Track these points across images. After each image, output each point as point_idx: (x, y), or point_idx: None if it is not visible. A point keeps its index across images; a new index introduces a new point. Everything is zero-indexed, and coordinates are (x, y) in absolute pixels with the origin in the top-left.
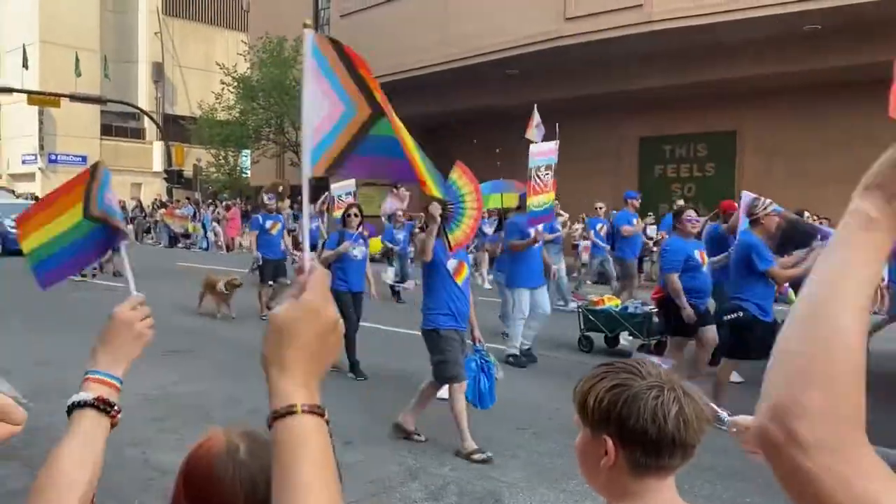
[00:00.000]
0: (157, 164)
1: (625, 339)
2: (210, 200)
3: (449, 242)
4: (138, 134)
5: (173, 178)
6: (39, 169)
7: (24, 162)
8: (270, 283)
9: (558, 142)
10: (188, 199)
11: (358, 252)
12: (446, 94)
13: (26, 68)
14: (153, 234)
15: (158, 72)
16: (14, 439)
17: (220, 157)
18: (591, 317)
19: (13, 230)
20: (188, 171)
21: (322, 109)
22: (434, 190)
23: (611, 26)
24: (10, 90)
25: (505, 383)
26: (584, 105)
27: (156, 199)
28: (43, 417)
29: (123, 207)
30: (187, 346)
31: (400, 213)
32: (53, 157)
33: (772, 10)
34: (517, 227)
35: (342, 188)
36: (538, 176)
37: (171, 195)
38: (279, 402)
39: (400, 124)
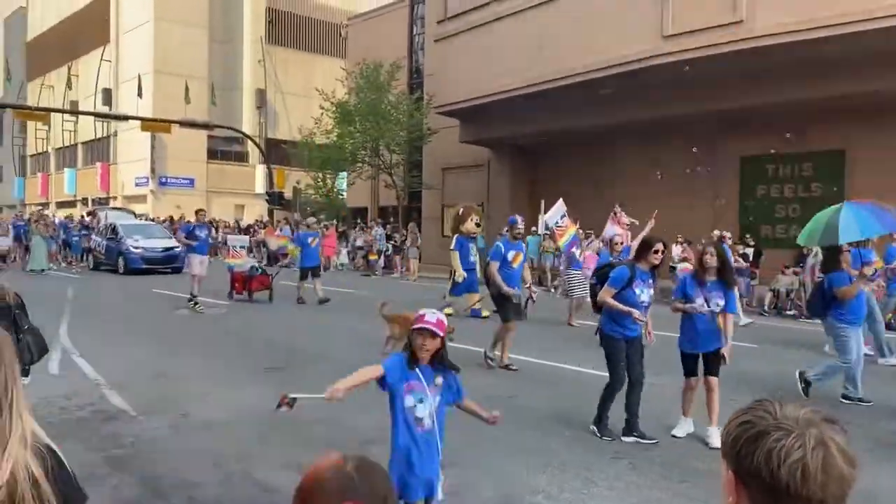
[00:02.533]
0: (259, 187)
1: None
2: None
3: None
4: (242, 157)
5: (274, 199)
6: (151, 191)
7: (137, 184)
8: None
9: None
10: (286, 219)
11: (646, 296)
12: (539, 116)
13: (140, 97)
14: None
15: (261, 98)
16: (124, 451)
17: (319, 180)
18: None
19: (136, 250)
20: (288, 193)
21: None
22: None
23: (710, 43)
24: (126, 117)
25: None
26: (681, 124)
27: (257, 220)
28: (150, 431)
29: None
30: (288, 363)
31: (619, 237)
32: (164, 180)
33: (880, 24)
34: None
35: (555, 213)
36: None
37: (271, 216)
38: None
39: None
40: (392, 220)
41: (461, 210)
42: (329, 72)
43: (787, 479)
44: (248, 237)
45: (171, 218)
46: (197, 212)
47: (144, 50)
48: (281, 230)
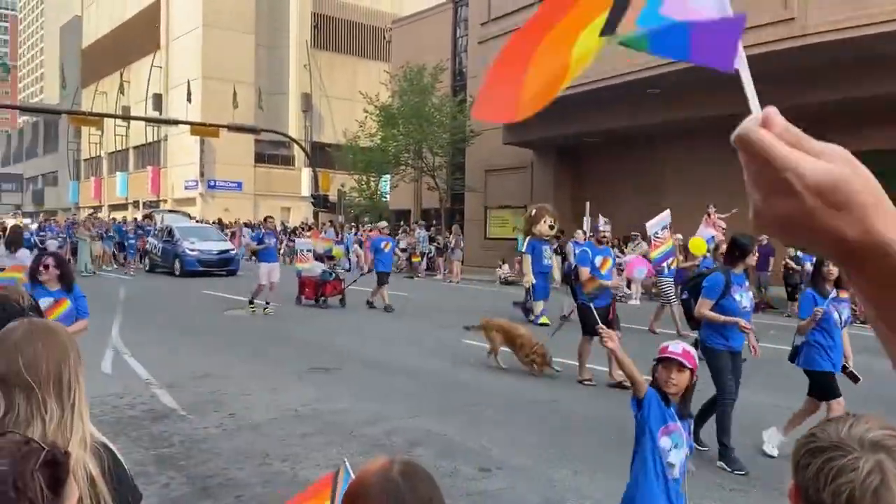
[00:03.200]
0: (305, 189)
1: None
2: (352, 224)
3: None
4: (288, 161)
5: (319, 202)
6: (200, 194)
7: (186, 187)
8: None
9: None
10: (330, 222)
11: (747, 301)
12: (584, 115)
13: (190, 102)
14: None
15: (307, 102)
16: (174, 449)
17: (363, 182)
18: None
19: (192, 252)
20: (333, 196)
21: None
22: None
23: (760, 41)
24: (175, 122)
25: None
26: (730, 125)
27: (303, 222)
28: (199, 430)
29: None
30: (331, 365)
31: (713, 240)
32: (212, 183)
33: None
34: None
35: (657, 224)
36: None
37: (317, 218)
38: None
39: None
40: (435, 222)
41: (534, 211)
42: (373, 75)
43: (830, 500)
44: (311, 240)
45: (220, 220)
46: (265, 219)
47: (193, 56)
48: (325, 233)
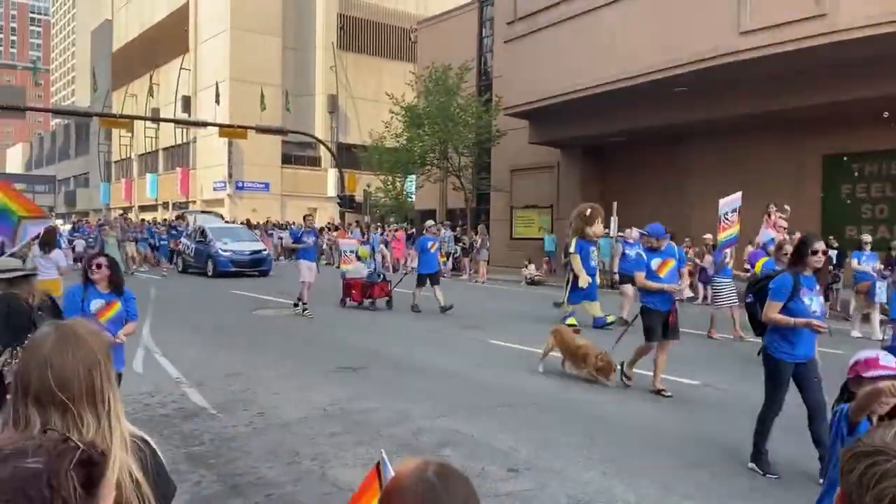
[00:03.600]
0: (331, 190)
1: None
2: (378, 224)
3: None
4: (314, 162)
5: (346, 202)
6: (228, 195)
7: (215, 188)
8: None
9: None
10: (357, 223)
11: (817, 305)
12: (610, 114)
13: (218, 104)
14: (325, 255)
15: (333, 103)
16: (204, 448)
17: (388, 183)
18: None
19: (225, 253)
20: (359, 196)
21: None
22: None
23: (790, 38)
24: (204, 124)
25: (679, 417)
26: (759, 123)
27: (329, 223)
28: (229, 428)
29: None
30: (358, 364)
31: (773, 242)
32: (240, 185)
33: None
34: None
35: (730, 203)
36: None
37: (343, 219)
38: None
39: None
40: (460, 222)
41: (588, 210)
42: (399, 76)
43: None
44: (355, 242)
45: (248, 221)
46: (305, 217)
47: (221, 58)
48: (352, 233)
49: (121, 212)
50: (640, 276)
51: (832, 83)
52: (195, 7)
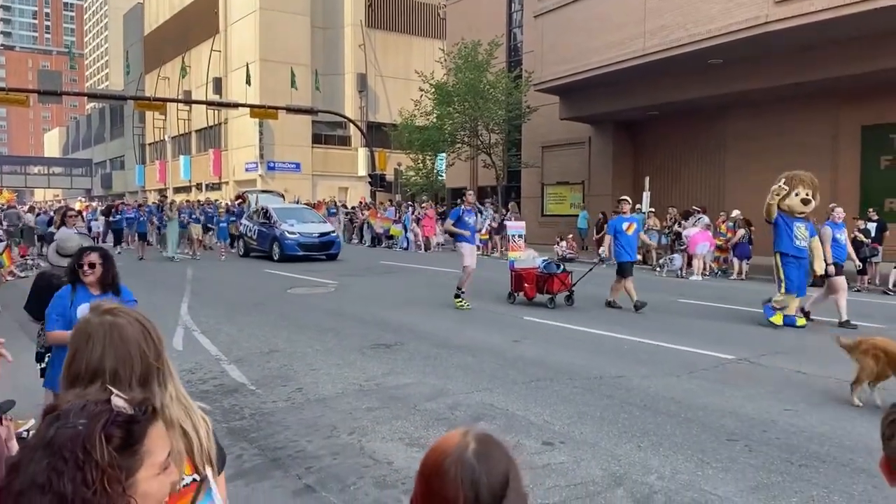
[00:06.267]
0: (362, 169)
1: None
2: (409, 203)
3: None
4: (344, 141)
5: (376, 181)
6: (260, 175)
7: (247, 169)
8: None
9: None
10: (390, 201)
11: None
12: (644, 89)
13: (249, 84)
14: (356, 234)
15: (362, 82)
16: (245, 422)
17: (419, 161)
18: None
19: (292, 235)
20: (389, 175)
21: None
22: None
23: (826, 7)
24: (235, 105)
25: (714, 391)
26: (795, 93)
27: (361, 202)
28: (269, 403)
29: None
30: (394, 341)
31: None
32: (272, 165)
33: None
34: None
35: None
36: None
37: (374, 198)
38: None
39: None
40: (491, 199)
41: (783, 180)
42: (428, 53)
43: None
44: (522, 224)
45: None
46: (464, 194)
47: (251, 39)
48: (385, 212)
49: (156, 194)
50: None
51: (869, 52)
52: None
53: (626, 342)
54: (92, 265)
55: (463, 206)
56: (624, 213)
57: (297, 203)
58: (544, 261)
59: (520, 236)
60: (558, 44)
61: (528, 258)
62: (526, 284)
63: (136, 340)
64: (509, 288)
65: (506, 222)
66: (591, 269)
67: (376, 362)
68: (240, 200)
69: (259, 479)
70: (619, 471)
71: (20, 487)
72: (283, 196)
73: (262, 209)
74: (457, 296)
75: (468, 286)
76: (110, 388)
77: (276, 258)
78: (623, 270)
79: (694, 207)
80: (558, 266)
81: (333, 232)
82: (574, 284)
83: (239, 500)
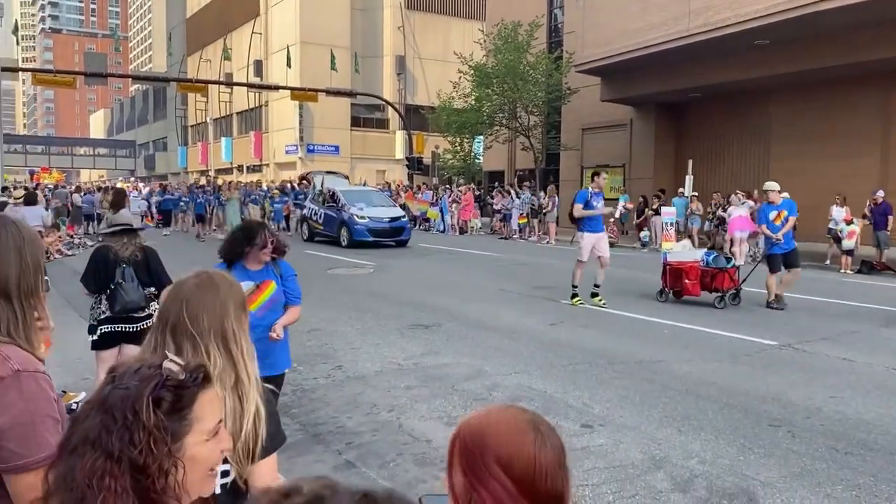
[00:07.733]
0: (399, 152)
1: None
2: (446, 186)
3: None
4: (383, 124)
5: (414, 164)
6: (300, 158)
7: (287, 151)
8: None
9: None
10: (425, 184)
11: None
12: (688, 70)
13: (289, 67)
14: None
15: (401, 64)
16: (287, 399)
17: (456, 144)
18: None
19: (361, 220)
20: (427, 158)
21: None
22: None
23: None
24: (276, 87)
25: (757, 377)
26: (843, 75)
27: (398, 184)
28: (309, 380)
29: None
30: (432, 322)
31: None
32: (311, 147)
33: None
34: None
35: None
36: None
37: (411, 181)
38: None
39: None
40: (529, 183)
41: None
42: (467, 35)
43: None
44: (674, 211)
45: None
46: (593, 175)
47: (291, 21)
48: (422, 194)
49: (206, 176)
50: None
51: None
52: None
53: (665, 327)
54: (272, 242)
55: (591, 189)
56: (773, 202)
57: (364, 185)
58: (708, 253)
59: (671, 224)
60: (600, 24)
61: (683, 250)
62: (687, 280)
63: (217, 304)
64: (660, 284)
65: (662, 208)
66: (756, 266)
67: (415, 342)
68: (304, 182)
69: (300, 453)
70: (660, 454)
71: (76, 442)
72: (347, 178)
73: (329, 191)
74: (573, 295)
75: (579, 280)
76: (167, 353)
77: (344, 244)
78: (774, 264)
79: (737, 190)
80: (728, 259)
81: (404, 216)
82: (743, 281)
83: (280, 474)
